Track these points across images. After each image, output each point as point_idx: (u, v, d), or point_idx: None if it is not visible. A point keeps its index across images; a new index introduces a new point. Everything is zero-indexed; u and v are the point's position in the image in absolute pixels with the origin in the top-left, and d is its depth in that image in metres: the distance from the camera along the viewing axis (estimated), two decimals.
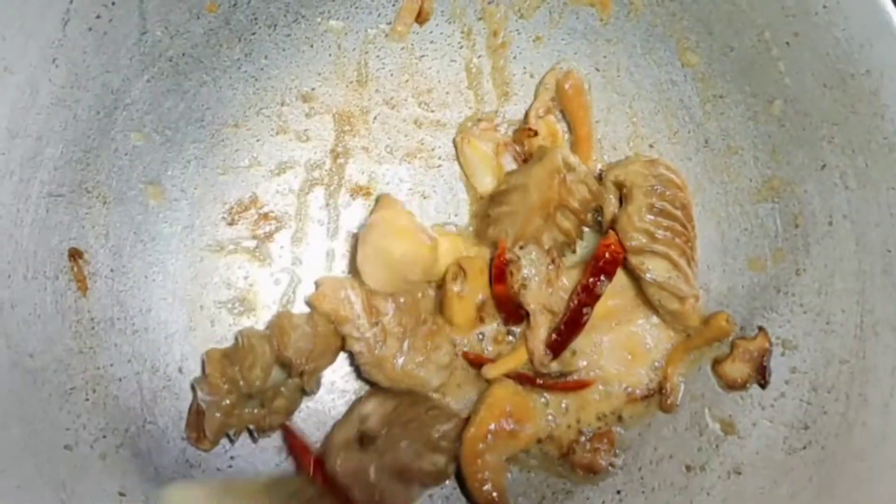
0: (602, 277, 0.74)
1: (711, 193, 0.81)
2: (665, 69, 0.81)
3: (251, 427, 0.76)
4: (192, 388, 0.76)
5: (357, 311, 0.74)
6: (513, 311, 0.77)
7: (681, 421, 0.79)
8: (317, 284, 0.77)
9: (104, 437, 0.72)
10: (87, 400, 0.72)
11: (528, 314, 0.76)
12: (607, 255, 0.74)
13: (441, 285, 0.78)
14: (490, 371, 0.78)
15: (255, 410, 0.75)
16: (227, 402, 0.74)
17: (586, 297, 0.74)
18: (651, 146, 0.82)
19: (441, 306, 0.79)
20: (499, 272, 0.76)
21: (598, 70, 0.82)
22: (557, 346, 0.76)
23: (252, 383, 0.73)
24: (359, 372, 0.78)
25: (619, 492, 0.78)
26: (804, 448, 0.72)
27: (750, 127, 0.78)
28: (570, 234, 0.77)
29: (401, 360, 0.75)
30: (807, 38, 0.72)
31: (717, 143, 0.80)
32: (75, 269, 0.73)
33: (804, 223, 0.76)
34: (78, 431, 0.71)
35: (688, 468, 0.77)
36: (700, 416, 0.78)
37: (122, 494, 0.71)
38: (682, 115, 0.81)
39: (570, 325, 0.75)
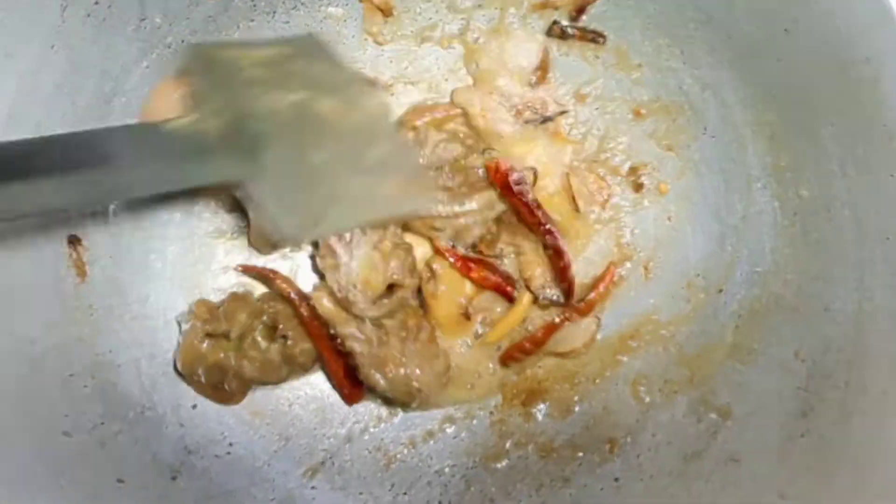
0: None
1: (710, 181, 0.81)
2: (664, 56, 0.81)
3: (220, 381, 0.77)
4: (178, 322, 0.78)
5: (361, 306, 0.74)
6: (537, 223, 0.77)
7: (679, 408, 0.79)
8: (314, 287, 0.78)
9: (103, 423, 0.72)
10: (86, 387, 0.72)
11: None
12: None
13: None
14: (491, 336, 0.80)
15: (230, 354, 0.76)
16: (207, 327, 0.75)
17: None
18: (650, 134, 0.83)
19: (426, 310, 0.79)
20: (504, 185, 0.76)
21: (597, 57, 0.82)
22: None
23: (232, 321, 0.75)
24: None
25: (616, 479, 0.78)
26: (802, 436, 0.72)
27: (749, 114, 0.78)
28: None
29: (402, 363, 0.75)
30: (806, 25, 0.72)
31: (716, 130, 0.81)
32: (74, 255, 0.74)
33: (803, 211, 0.76)
34: (77, 418, 0.70)
35: (686, 456, 0.77)
36: (698, 404, 0.79)
37: (120, 481, 0.71)
38: (681, 103, 0.81)
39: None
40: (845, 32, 0.70)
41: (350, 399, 0.79)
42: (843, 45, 0.70)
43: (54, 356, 0.71)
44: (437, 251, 0.79)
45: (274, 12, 0.80)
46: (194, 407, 0.78)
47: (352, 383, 0.78)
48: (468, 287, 0.79)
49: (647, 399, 0.81)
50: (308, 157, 0.67)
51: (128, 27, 0.73)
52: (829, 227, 0.74)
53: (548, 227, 0.77)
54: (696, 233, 0.82)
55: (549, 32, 0.81)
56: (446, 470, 0.80)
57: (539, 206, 0.77)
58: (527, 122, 0.80)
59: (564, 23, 0.81)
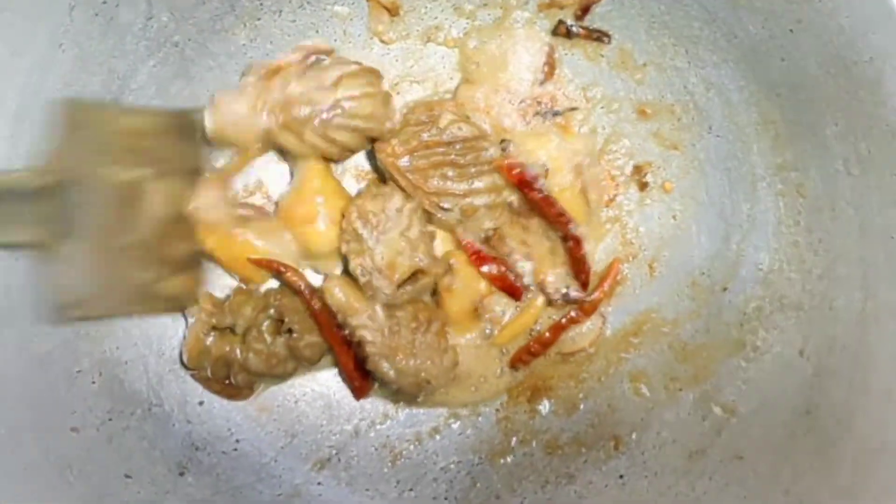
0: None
1: (715, 180, 0.81)
2: (669, 56, 0.81)
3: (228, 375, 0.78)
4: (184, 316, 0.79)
5: (385, 292, 0.74)
6: (556, 214, 0.78)
7: (684, 406, 0.80)
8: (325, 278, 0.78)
9: (110, 419, 0.73)
10: (94, 383, 0.73)
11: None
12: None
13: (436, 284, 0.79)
14: (500, 337, 0.80)
15: (236, 347, 0.76)
16: (213, 320, 0.76)
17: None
18: (655, 133, 0.83)
19: (438, 303, 0.80)
20: (522, 182, 0.76)
21: (602, 56, 0.82)
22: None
23: (238, 315, 0.76)
24: None
25: (621, 476, 0.79)
26: (806, 433, 0.72)
27: (753, 114, 0.79)
28: None
29: (412, 354, 0.75)
30: (810, 25, 0.72)
31: (720, 129, 0.81)
32: None
33: (807, 209, 0.77)
34: (84, 414, 0.71)
35: (690, 453, 0.77)
36: (702, 402, 0.79)
37: (127, 477, 0.72)
38: (686, 102, 0.82)
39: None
40: (849, 33, 0.70)
41: (359, 392, 0.79)
42: (847, 46, 0.70)
43: (62, 353, 0.71)
44: (457, 244, 0.79)
45: (280, 11, 0.80)
46: (201, 403, 0.78)
47: (361, 376, 0.78)
48: (483, 285, 0.80)
49: (652, 397, 0.81)
50: (112, 239, 0.68)
51: (135, 26, 0.73)
52: (832, 226, 0.75)
53: (567, 217, 0.77)
54: (700, 231, 0.82)
55: (554, 32, 0.82)
56: (452, 466, 0.81)
57: (556, 199, 0.77)
58: (536, 114, 0.80)
59: (569, 22, 0.81)
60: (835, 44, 0.71)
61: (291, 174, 0.80)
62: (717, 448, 0.76)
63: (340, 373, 0.80)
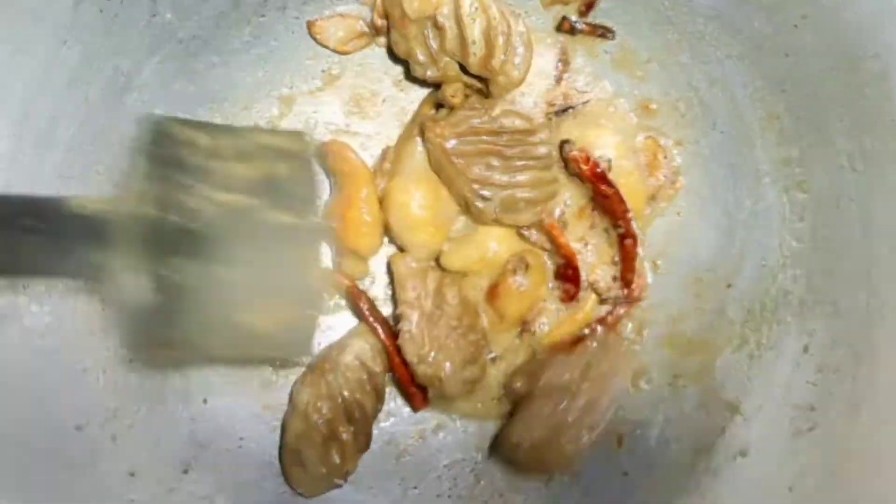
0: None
1: (719, 176, 0.81)
2: (673, 52, 0.81)
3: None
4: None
5: (428, 286, 0.75)
6: (623, 211, 0.78)
7: (688, 402, 0.80)
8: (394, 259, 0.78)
9: (115, 417, 0.73)
10: (99, 381, 0.73)
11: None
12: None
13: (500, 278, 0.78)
14: (546, 337, 0.80)
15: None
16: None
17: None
18: (659, 129, 0.83)
19: (491, 297, 0.78)
20: (596, 176, 0.77)
21: (606, 52, 0.82)
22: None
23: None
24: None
25: (625, 473, 0.79)
26: (810, 430, 0.72)
27: (758, 109, 0.78)
28: None
29: (440, 347, 0.74)
30: (815, 20, 0.72)
31: (724, 125, 0.81)
32: None
33: (811, 206, 0.76)
34: (89, 412, 0.71)
35: (695, 450, 0.77)
36: (706, 398, 0.79)
37: (131, 475, 0.72)
38: (689, 98, 0.81)
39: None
40: (854, 28, 0.70)
41: (417, 403, 0.79)
42: (852, 41, 0.70)
43: (67, 351, 0.71)
44: (542, 228, 0.78)
45: (285, 8, 0.80)
46: (205, 401, 0.78)
47: (419, 388, 0.78)
48: (543, 293, 0.80)
49: (656, 393, 0.81)
50: (214, 272, 0.59)
51: (139, 23, 0.73)
52: (837, 222, 0.74)
53: (631, 213, 0.78)
54: (705, 228, 0.82)
55: (558, 28, 0.82)
56: (456, 464, 0.81)
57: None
58: (549, 115, 0.80)
59: (573, 18, 0.81)
60: (840, 39, 0.71)
61: None
62: (722, 444, 0.76)
63: (398, 387, 0.80)
